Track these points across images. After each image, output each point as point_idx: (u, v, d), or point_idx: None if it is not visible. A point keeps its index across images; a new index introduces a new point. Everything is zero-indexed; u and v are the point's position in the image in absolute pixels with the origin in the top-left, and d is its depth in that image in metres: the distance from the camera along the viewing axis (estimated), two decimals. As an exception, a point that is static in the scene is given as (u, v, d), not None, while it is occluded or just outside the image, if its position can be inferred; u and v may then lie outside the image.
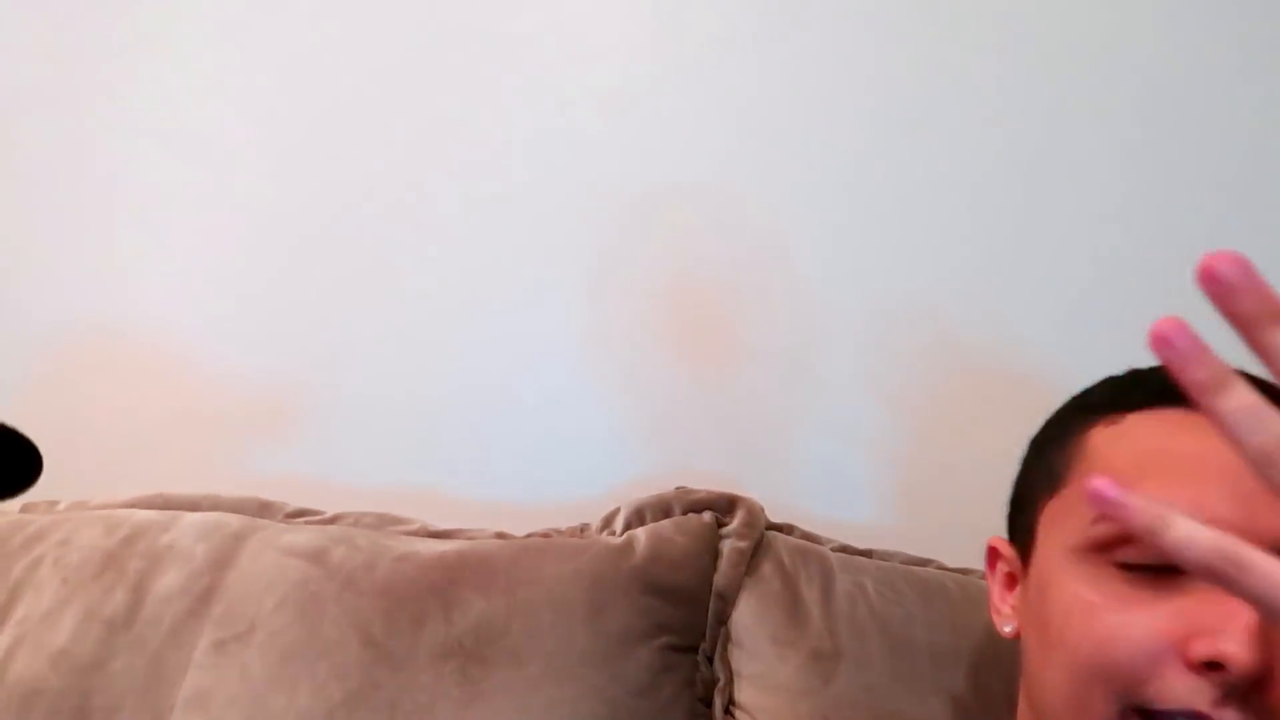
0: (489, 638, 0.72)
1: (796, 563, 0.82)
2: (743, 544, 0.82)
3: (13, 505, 0.83)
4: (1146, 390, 0.50)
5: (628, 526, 0.83)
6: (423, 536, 0.82)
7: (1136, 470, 0.47)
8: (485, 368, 0.99)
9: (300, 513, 0.84)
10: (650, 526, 0.82)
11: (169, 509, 0.82)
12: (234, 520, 0.80)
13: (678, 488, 0.86)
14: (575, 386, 0.98)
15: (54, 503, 0.84)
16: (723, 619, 0.80)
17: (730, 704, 0.78)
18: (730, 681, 0.78)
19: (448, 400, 1.00)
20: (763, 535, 0.83)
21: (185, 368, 1.00)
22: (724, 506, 0.84)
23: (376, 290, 1.01)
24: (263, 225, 1.01)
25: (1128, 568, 0.46)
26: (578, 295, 0.98)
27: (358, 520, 0.84)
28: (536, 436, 0.99)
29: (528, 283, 0.99)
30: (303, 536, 0.79)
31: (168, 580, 0.74)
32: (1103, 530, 0.46)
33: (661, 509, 0.84)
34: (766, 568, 0.81)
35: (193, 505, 0.83)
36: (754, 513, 0.84)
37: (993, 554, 0.59)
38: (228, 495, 0.85)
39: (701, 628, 0.80)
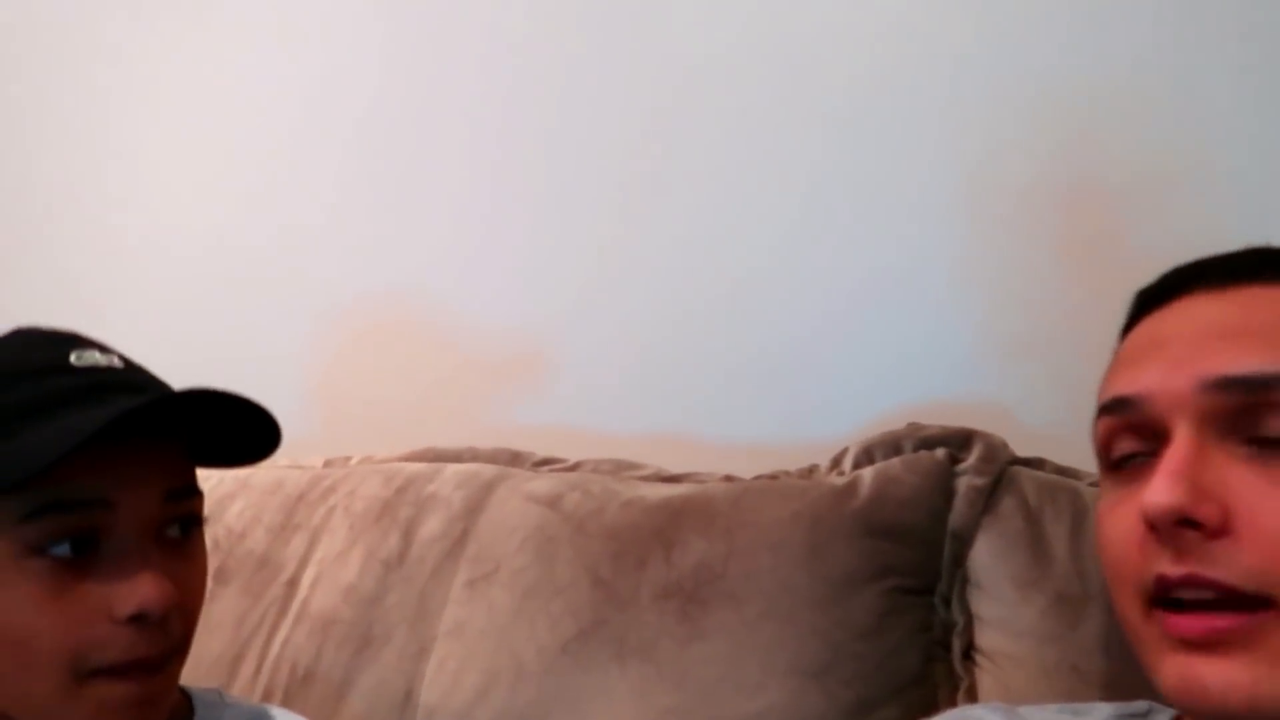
0: (708, 579, 0.74)
1: (1043, 499, 0.75)
2: (980, 481, 0.77)
3: (316, 461, 0.97)
4: (1159, 289, 0.51)
5: (856, 466, 0.81)
6: (654, 481, 0.85)
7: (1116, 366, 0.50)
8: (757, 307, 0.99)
9: (546, 461, 0.91)
10: (877, 466, 0.80)
11: (435, 461, 0.92)
12: (488, 470, 0.88)
13: (909, 424, 0.83)
14: (852, 316, 0.95)
15: (348, 458, 0.97)
16: (959, 560, 0.76)
17: (970, 648, 0.74)
18: (970, 625, 0.75)
19: (699, 346, 1.01)
20: (1003, 471, 0.78)
21: (451, 330, 1.10)
22: (959, 442, 0.80)
23: (624, 242, 1.04)
24: (515, 189, 1.08)
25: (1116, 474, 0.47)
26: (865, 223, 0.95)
27: (596, 467, 0.89)
28: (791, 375, 0.98)
29: (789, 219, 0.97)
30: (544, 484, 0.85)
31: (431, 525, 0.83)
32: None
33: (891, 447, 0.81)
34: (1007, 505, 0.76)
35: (455, 457, 0.92)
36: (993, 448, 0.79)
37: None
38: (485, 447, 0.93)
39: (935, 569, 0.76)
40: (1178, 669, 0.42)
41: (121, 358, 0.58)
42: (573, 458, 0.92)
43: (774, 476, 0.83)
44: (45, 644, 0.51)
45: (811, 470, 0.84)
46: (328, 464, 0.97)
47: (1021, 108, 0.89)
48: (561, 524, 0.79)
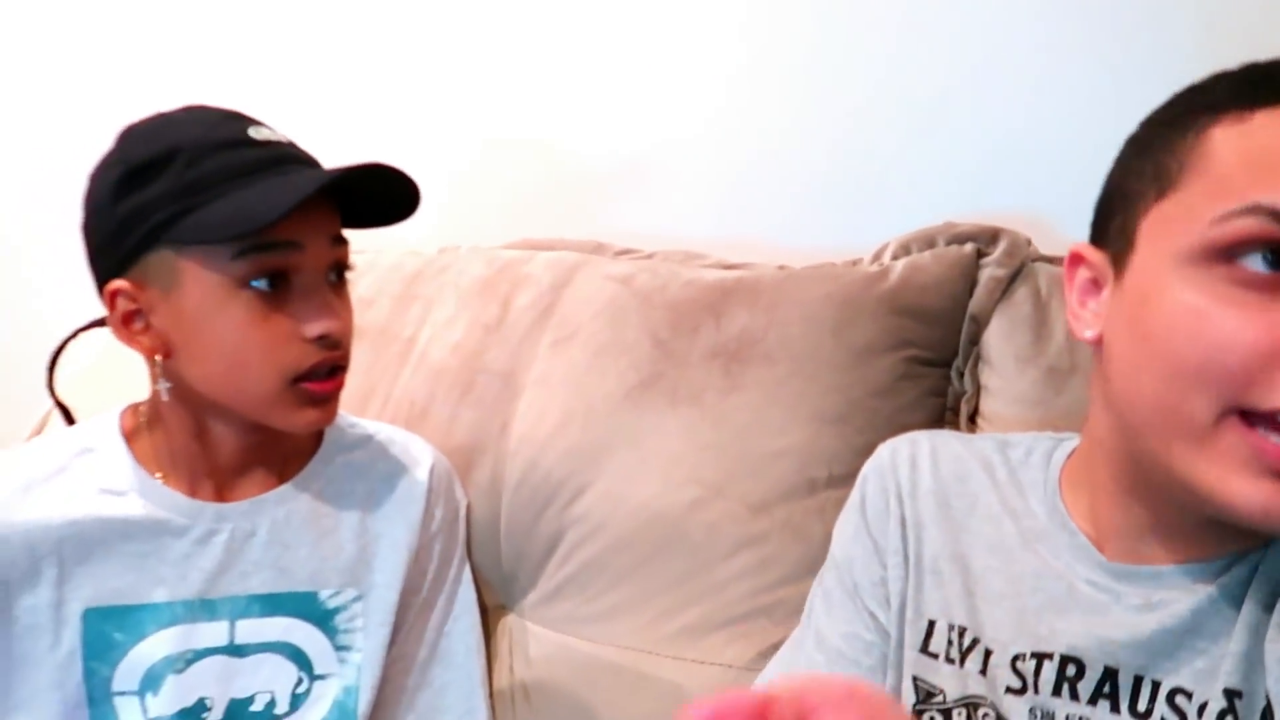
0: (749, 343, 0.87)
1: (1052, 289, 0.85)
2: (1000, 272, 0.87)
3: (433, 248, 1.13)
4: (1276, 85, 0.47)
5: (894, 258, 0.91)
6: (715, 268, 0.97)
7: (1259, 169, 0.45)
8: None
9: (626, 251, 1.04)
10: (910, 257, 0.90)
11: (531, 249, 1.06)
12: (574, 256, 1.02)
13: (945, 222, 0.92)
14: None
15: (457, 246, 1.13)
16: (975, 339, 0.87)
17: (975, 413, 0.86)
18: (976, 393, 0.86)
19: (777, 160, 1.10)
20: (1023, 265, 0.87)
21: (550, 143, 1.22)
22: (987, 239, 0.89)
23: (708, 67, 1.13)
24: (611, 17, 1.17)
25: (1241, 279, 0.45)
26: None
27: (668, 256, 1.01)
28: (853, 187, 1.06)
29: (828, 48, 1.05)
30: (620, 267, 0.98)
31: (524, 298, 0.98)
32: (1223, 232, 0.45)
33: (926, 241, 0.91)
34: (1021, 293, 0.86)
35: (548, 246, 1.06)
36: (1017, 244, 0.88)
37: (1074, 259, 0.56)
38: (574, 239, 1.07)
39: (953, 346, 0.87)
40: (1264, 494, 0.45)
41: (283, 135, 0.73)
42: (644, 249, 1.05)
43: (820, 266, 0.94)
44: (256, 357, 0.68)
45: (856, 262, 0.94)
46: (441, 251, 1.13)
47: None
48: (630, 297, 0.93)
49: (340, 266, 0.73)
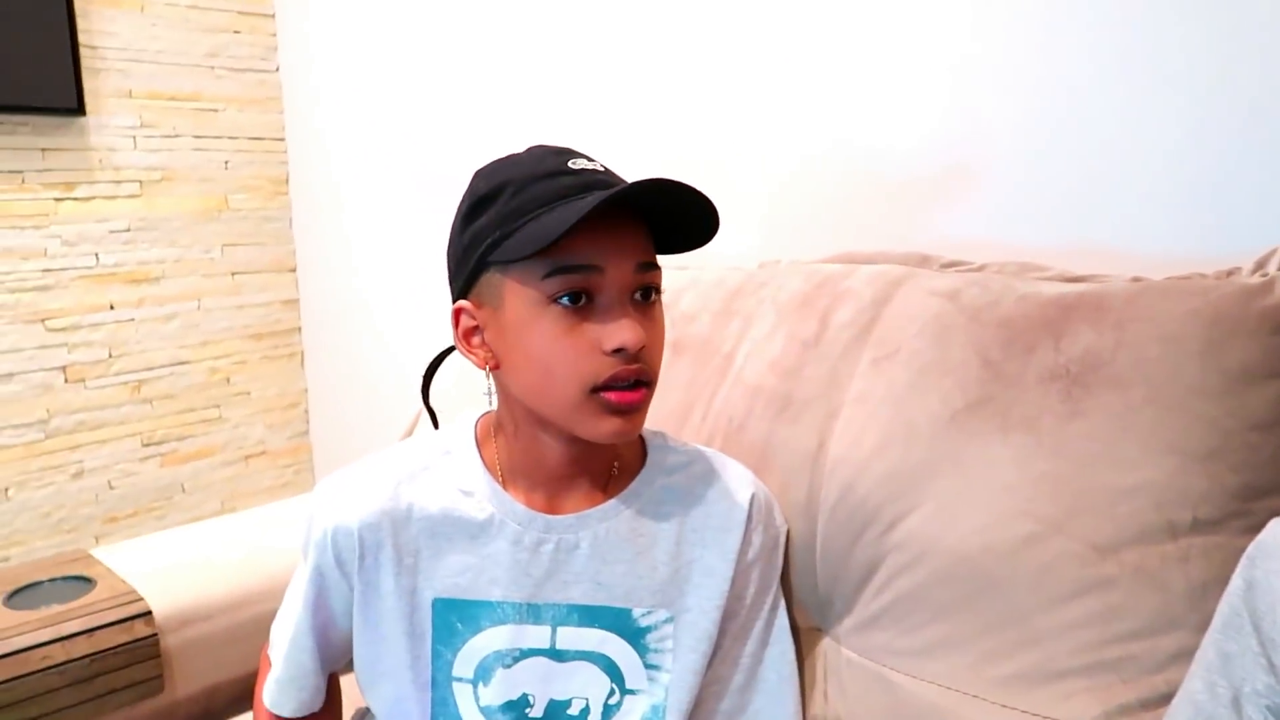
0: (1093, 365, 0.78)
1: None
2: None
3: (753, 263, 1.14)
4: None
5: (1280, 268, 0.78)
6: (1055, 281, 0.89)
7: None
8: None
9: (953, 263, 0.98)
10: (1302, 266, 0.76)
11: (852, 263, 1.04)
12: (897, 270, 0.98)
13: (1351, 224, 0.77)
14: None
15: (777, 261, 1.13)
16: (1391, 365, 0.72)
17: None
18: (1393, 432, 0.71)
19: (1120, 155, 1.00)
20: None
21: (869, 149, 1.19)
22: None
23: (1040, 55, 1.04)
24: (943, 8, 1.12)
25: None
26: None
27: (1001, 269, 0.95)
28: (1214, 183, 0.93)
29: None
30: (946, 281, 0.93)
31: (843, 313, 0.96)
32: None
33: (1324, 248, 0.77)
34: None
35: (869, 260, 1.03)
36: None
37: None
38: (897, 251, 1.03)
39: (1360, 373, 0.73)
40: None
41: (604, 166, 0.77)
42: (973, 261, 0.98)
43: (1186, 278, 0.83)
44: (560, 367, 0.73)
45: (1231, 273, 0.82)
46: (761, 266, 1.14)
47: None
48: (957, 314, 0.88)
49: (648, 289, 0.75)
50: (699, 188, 0.71)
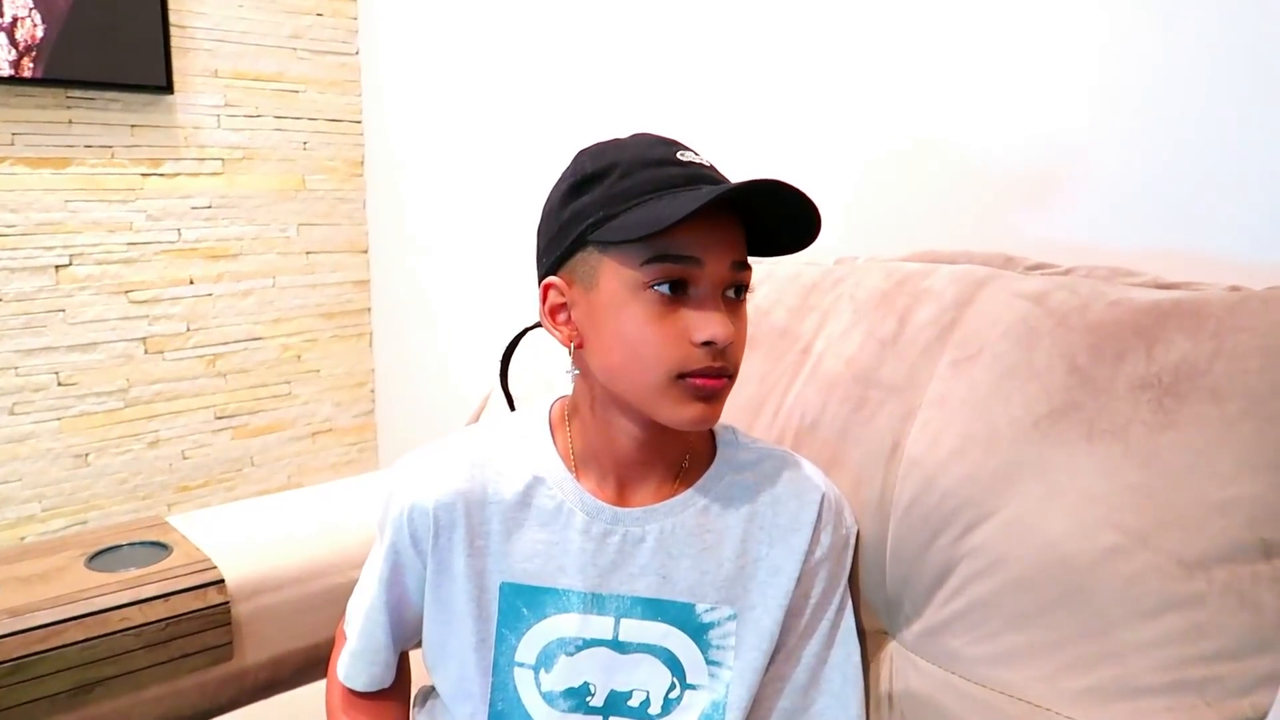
0: (1188, 375, 0.76)
1: None
2: None
3: (830, 258, 1.13)
4: None
5: (1394, 281, 0.75)
6: (1147, 287, 0.86)
7: None
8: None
9: (1039, 265, 0.96)
10: None
11: (933, 262, 1.02)
12: (980, 270, 0.96)
13: None
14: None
15: (855, 257, 1.11)
16: None
17: None
18: None
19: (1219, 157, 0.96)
20: None
21: (953, 145, 1.16)
22: None
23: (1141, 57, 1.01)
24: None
25: None
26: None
27: (1090, 273, 0.92)
28: None
29: None
30: (1032, 283, 0.91)
31: (923, 313, 0.94)
32: None
33: None
34: None
35: (951, 259, 1.01)
36: None
37: None
38: (980, 251, 1.01)
39: None
40: None
41: (709, 161, 0.77)
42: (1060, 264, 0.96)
43: (1290, 287, 0.80)
44: (651, 351, 0.73)
45: (1341, 284, 0.79)
46: (838, 261, 1.12)
47: None
48: (1044, 317, 0.86)
49: (739, 286, 0.75)
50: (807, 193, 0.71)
